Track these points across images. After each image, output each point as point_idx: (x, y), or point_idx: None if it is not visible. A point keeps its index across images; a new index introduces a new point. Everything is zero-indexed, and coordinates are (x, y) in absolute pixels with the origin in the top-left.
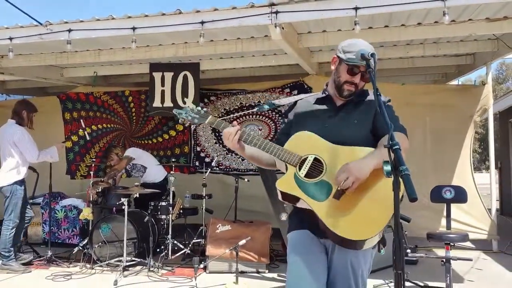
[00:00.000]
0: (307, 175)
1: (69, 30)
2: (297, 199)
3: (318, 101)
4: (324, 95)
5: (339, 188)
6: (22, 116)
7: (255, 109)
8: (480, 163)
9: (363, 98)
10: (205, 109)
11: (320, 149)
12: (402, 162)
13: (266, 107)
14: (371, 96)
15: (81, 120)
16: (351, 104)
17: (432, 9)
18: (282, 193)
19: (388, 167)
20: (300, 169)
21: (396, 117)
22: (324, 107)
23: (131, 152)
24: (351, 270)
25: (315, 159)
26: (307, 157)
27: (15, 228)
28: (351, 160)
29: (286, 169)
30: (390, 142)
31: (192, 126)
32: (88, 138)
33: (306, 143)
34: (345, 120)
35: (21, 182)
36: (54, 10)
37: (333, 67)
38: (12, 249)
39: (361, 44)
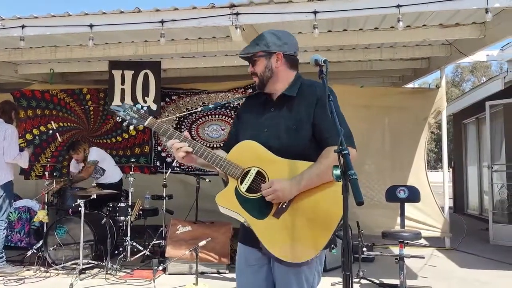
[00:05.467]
0: (249, 190)
1: (23, 26)
2: (236, 215)
3: (259, 99)
4: (257, 91)
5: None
6: (12, 116)
7: (199, 109)
8: (436, 163)
9: (294, 92)
10: (145, 108)
11: (263, 161)
12: (351, 167)
13: (211, 106)
14: (306, 87)
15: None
16: (285, 101)
17: (387, 15)
18: (221, 207)
19: (337, 172)
20: (242, 182)
21: (342, 117)
22: (263, 104)
23: (96, 154)
24: (293, 277)
25: (258, 172)
26: (250, 170)
27: (6, 229)
28: (293, 175)
29: (227, 180)
30: (340, 147)
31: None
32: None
33: (249, 154)
34: (283, 123)
35: (12, 182)
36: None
37: None
38: (3, 251)
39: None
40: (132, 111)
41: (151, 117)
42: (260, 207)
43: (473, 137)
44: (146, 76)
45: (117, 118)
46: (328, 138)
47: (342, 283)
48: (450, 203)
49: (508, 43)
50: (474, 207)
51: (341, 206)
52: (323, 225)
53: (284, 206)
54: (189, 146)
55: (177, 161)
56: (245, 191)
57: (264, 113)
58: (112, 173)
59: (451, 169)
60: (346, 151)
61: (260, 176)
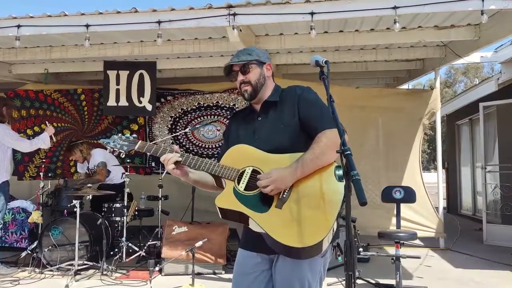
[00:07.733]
0: (247, 188)
1: (18, 26)
2: (238, 214)
3: (244, 113)
4: (245, 106)
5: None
6: (3, 113)
7: (187, 130)
8: (429, 163)
9: (276, 97)
10: (134, 135)
11: (257, 160)
12: (353, 167)
13: (198, 126)
14: (286, 92)
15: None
16: (269, 107)
17: (384, 16)
18: (221, 210)
19: (340, 172)
20: (239, 182)
21: (327, 109)
22: (249, 116)
23: (102, 155)
24: (296, 282)
25: (253, 171)
26: (245, 170)
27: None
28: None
29: (225, 185)
30: (342, 148)
31: (147, 127)
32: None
33: (242, 156)
34: (271, 125)
35: (8, 182)
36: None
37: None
38: None
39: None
40: (121, 140)
41: (140, 141)
42: (261, 201)
43: (467, 138)
44: (141, 77)
45: (108, 149)
46: (317, 127)
47: (344, 282)
48: (444, 203)
49: (502, 45)
50: (468, 208)
51: (341, 187)
52: (326, 208)
53: (284, 196)
54: (179, 157)
55: None
56: (244, 190)
57: (253, 123)
58: (117, 174)
59: (444, 170)
60: (348, 152)
61: (256, 174)
